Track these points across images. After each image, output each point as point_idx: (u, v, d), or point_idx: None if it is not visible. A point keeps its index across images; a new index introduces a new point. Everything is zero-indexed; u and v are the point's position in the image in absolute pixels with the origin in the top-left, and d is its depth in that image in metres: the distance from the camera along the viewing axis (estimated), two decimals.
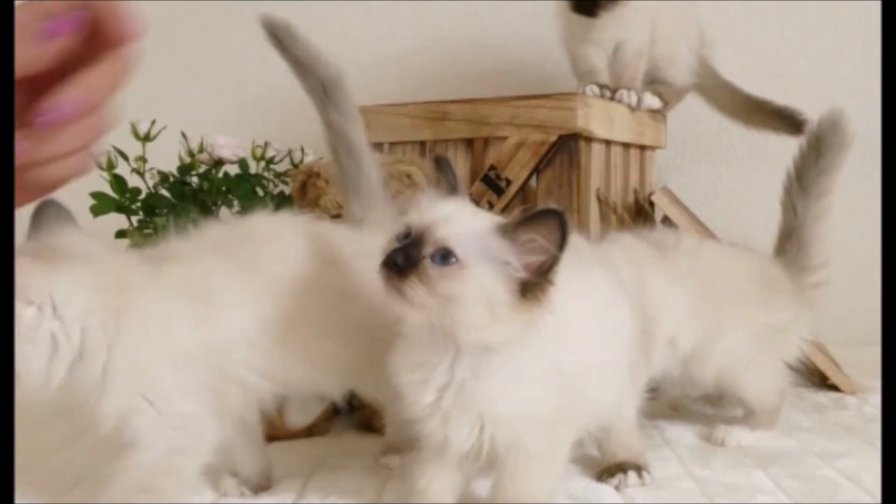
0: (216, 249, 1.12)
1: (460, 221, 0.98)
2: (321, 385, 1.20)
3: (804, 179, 1.56)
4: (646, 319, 1.28)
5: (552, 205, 0.95)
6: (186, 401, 1.06)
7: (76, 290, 1.02)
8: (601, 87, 1.91)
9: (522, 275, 0.95)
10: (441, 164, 1.08)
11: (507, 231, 0.96)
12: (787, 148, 1.65)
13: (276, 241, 1.16)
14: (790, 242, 1.57)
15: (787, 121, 2.01)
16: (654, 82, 2.04)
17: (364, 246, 1.18)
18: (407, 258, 0.96)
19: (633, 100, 1.93)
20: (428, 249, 0.96)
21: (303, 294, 1.13)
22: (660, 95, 2.04)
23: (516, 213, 0.98)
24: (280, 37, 1.27)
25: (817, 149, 1.55)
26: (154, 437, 1.05)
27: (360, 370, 1.19)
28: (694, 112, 2.24)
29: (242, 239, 1.15)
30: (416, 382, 1.02)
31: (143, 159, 1.87)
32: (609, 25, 1.94)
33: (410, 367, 1.03)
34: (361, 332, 1.16)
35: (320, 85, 1.29)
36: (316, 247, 1.17)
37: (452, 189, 1.06)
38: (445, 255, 0.95)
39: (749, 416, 1.50)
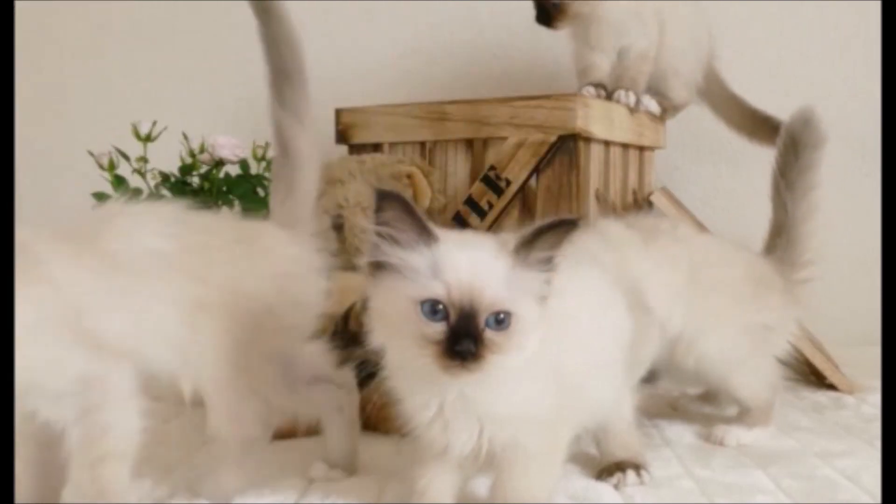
0: (57, 237, 1.09)
1: (486, 271, 0.95)
2: (160, 357, 1.13)
3: (788, 177, 1.57)
4: (636, 304, 1.28)
5: (554, 217, 0.95)
6: (69, 365, 1.03)
7: None
8: (596, 86, 1.91)
9: (547, 290, 0.96)
10: (388, 202, 0.94)
11: (520, 254, 0.95)
12: None
13: (117, 218, 1.14)
14: (780, 239, 1.58)
15: None
16: (656, 94, 2.04)
17: (241, 234, 1.20)
18: (474, 340, 0.92)
19: (632, 100, 1.93)
20: (481, 320, 0.94)
21: (143, 267, 1.10)
22: (658, 103, 2.04)
23: (514, 235, 0.97)
24: (264, 8, 1.25)
25: (794, 148, 1.56)
26: (63, 408, 1.03)
27: (208, 352, 1.15)
28: (694, 112, 2.24)
29: (89, 222, 1.14)
30: (422, 403, 1.02)
31: (144, 160, 1.88)
32: (607, 32, 1.94)
33: (417, 390, 1.02)
34: (216, 315, 1.14)
35: (276, 71, 1.25)
36: (171, 229, 1.14)
37: (422, 229, 0.95)
38: (499, 315, 0.94)
39: (744, 414, 1.50)
